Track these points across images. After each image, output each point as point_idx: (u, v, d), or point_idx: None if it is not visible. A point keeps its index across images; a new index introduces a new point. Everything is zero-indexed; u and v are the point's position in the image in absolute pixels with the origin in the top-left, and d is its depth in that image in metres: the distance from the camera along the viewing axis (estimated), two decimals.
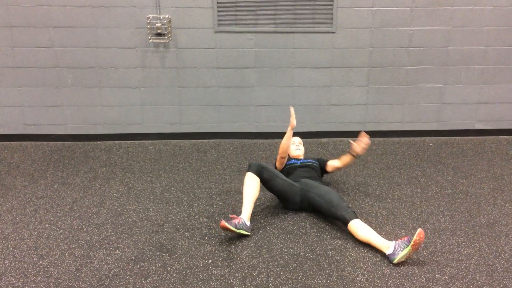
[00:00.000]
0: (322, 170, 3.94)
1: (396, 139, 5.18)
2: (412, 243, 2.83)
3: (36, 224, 3.34)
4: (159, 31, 4.70)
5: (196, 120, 5.08)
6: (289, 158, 3.95)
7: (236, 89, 5.01)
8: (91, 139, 5.05)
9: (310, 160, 3.91)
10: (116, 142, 5.02)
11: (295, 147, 4.02)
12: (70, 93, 4.92)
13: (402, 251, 2.86)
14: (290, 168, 3.80)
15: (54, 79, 4.87)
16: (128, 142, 5.03)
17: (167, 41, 4.78)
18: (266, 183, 3.41)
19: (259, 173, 3.37)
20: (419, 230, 2.84)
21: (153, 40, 4.73)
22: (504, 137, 5.22)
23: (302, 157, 4.02)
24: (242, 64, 4.93)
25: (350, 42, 4.91)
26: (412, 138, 5.20)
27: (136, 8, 4.70)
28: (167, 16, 4.71)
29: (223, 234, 3.22)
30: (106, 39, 4.78)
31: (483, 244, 3.13)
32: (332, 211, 3.25)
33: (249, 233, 3.19)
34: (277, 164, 3.86)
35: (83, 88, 4.92)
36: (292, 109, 3.72)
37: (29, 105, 4.94)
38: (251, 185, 3.31)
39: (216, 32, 4.82)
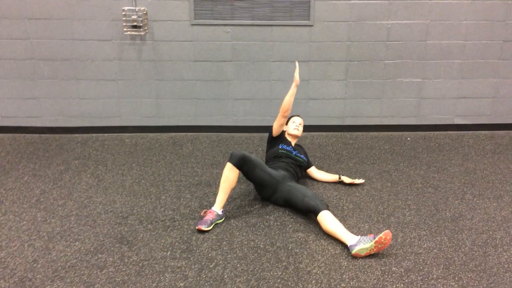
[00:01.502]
0: (304, 170, 3.97)
1: (375, 133, 5.17)
2: (376, 239, 2.81)
3: (0, 215, 3.34)
4: (135, 24, 4.69)
5: (174, 113, 5.07)
6: (286, 140, 3.88)
7: (214, 82, 5.00)
8: (68, 132, 5.05)
9: (303, 156, 3.86)
10: (93, 135, 5.02)
11: (294, 126, 3.93)
12: (46, 86, 4.92)
13: (364, 244, 2.85)
14: (282, 153, 3.75)
15: (30, 71, 4.86)
16: (105, 135, 5.03)
17: (143, 34, 4.76)
18: (245, 173, 3.38)
19: (239, 166, 3.29)
20: (387, 231, 2.83)
21: (130, 32, 4.72)
22: (482, 132, 5.21)
23: (296, 140, 3.98)
24: (219, 57, 4.92)
25: (328, 36, 4.89)
26: (391, 133, 5.19)
27: (112, 0, 4.68)
28: (143, 9, 4.69)
29: (185, 226, 3.22)
30: (82, 31, 4.76)
31: (445, 237, 3.12)
32: (305, 201, 3.24)
33: (223, 218, 3.31)
34: (275, 125, 3.77)
35: (59, 81, 4.91)
36: (297, 63, 3.75)
37: (6, 97, 4.93)
38: (229, 177, 3.28)
39: (192, 24, 4.80)
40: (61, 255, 2.88)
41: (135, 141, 4.87)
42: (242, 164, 3.28)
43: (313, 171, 4.01)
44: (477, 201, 3.64)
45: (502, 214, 3.44)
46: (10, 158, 4.38)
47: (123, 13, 4.67)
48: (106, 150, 4.62)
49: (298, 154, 3.83)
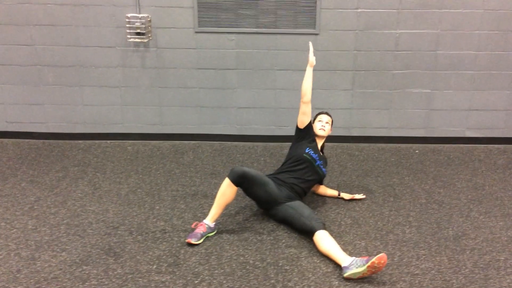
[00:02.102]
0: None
1: (382, 145, 5.03)
2: (368, 263, 2.66)
3: None
4: (139, 31, 4.66)
5: (177, 121, 5.02)
6: (313, 141, 3.56)
7: (217, 90, 4.93)
8: (71, 138, 5.04)
9: (324, 170, 3.59)
10: (96, 141, 5.00)
11: (320, 126, 3.62)
12: (51, 92, 4.92)
13: (356, 268, 2.71)
14: (306, 158, 3.45)
15: (35, 77, 4.88)
16: (108, 142, 5.01)
17: (147, 41, 4.73)
18: (244, 189, 3.27)
19: (238, 183, 3.16)
20: (382, 254, 2.66)
21: (133, 39, 4.69)
22: (495, 145, 5.02)
23: (324, 140, 3.67)
24: (223, 65, 4.85)
25: (334, 45, 4.78)
26: (399, 145, 5.04)
27: (116, 7, 4.67)
28: (146, 16, 4.66)
29: (175, 238, 3.14)
30: (86, 38, 4.76)
31: (445, 258, 2.97)
32: (302, 221, 3.12)
33: (215, 231, 3.22)
34: (300, 116, 3.52)
35: (64, 87, 4.91)
36: (310, 43, 3.61)
37: (11, 102, 4.95)
38: (226, 193, 3.16)
39: (196, 32, 4.75)
40: (46, 265, 2.83)
41: (137, 148, 4.83)
42: (242, 181, 3.15)
43: (316, 188, 3.85)
44: (483, 219, 3.47)
45: (509, 234, 3.27)
46: (11, 164, 4.38)
47: (127, 20, 4.64)
48: (107, 157, 4.59)
49: (321, 166, 3.53)
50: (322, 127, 3.63)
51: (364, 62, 4.83)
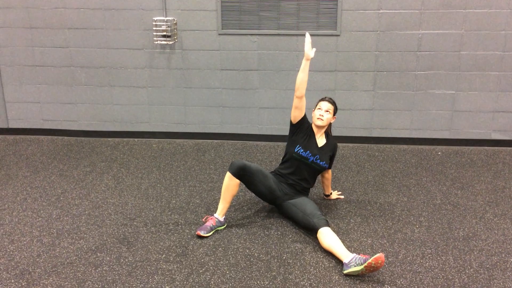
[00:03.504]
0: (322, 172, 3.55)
1: (404, 146, 5.00)
2: (366, 264, 2.68)
3: (20, 211, 3.57)
4: (165, 33, 4.85)
5: (200, 120, 5.18)
6: (307, 136, 3.40)
7: (240, 91, 5.06)
8: (101, 136, 5.29)
9: (323, 163, 3.38)
10: (124, 139, 5.23)
11: (318, 114, 3.39)
12: (83, 91, 5.19)
13: (355, 267, 2.74)
14: (295, 158, 3.37)
15: (68, 78, 5.16)
16: (135, 139, 5.23)
17: (172, 43, 4.92)
18: (245, 183, 3.35)
19: (238, 176, 3.25)
20: (379, 254, 2.67)
21: (160, 41, 4.89)
22: None
23: (323, 130, 3.46)
24: (245, 66, 4.97)
25: (355, 46, 4.81)
26: (421, 146, 4.99)
27: (144, 11, 4.88)
28: (172, 19, 4.85)
29: (187, 230, 3.28)
30: (116, 40, 5.00)
31: (450, 257, 2.96)
32: (305, 219, 3.17)
33: (225, 225, 3.33)
34: (292, 110, 3.38)
35: (95, 87, 5.17)
36: (307, 35, 3.26)
37: (47, 101, 5.26)
38: (229, 186, 3.27)
39: (220, 34, 4.90)
40: (64, 251, 3.02)
41: (161, 146, 5.02)
42: (242, 174, 3.24)
43: (324, 172, 3.61)
44: (497, 221, 3.42)
45: None
46: (44, 159, 4.65)
47: (154, 23, 4.84)
48: (132, 154, 4.80)
49: (316, 161, 3.35)
50: (320, 116, 3.38)
51: (385, 63, 4.83)
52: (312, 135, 3.45)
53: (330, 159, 3.51)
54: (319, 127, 3.44)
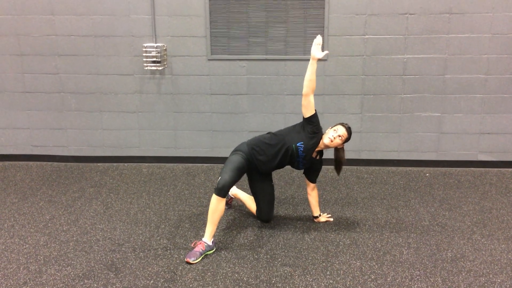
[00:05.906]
0: (305, 171, 3.67)
1: (392, 168, 5.05)
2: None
3: (7, 238, 3.54)
4: (155, 59, 4.91)
5: (191, 144, 5.20)
6: (311, 140, 3.43)
7: (229, 115, 5.10)
8: (91, 161, 5.29)
9: (301, 166, 3.55)
10: (114, 164, 5.23)
11: (331, 136, 3.42)
12: (73, 117, 5.21)
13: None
14: (288, 147, 3.42)
15: (58, 104, 5.18)
16: (125, 164, 5.23)
17: (162, 68, 4.98)
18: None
19: (224, 195, 3.31)
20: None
21: (150, 67, 4.94)
22: (508, 169, 4.96)
23: (322, 148, 3.52)
24: (235, 91, 5.03)
25: (342, 70, 4.90)
26: (409, 168, 5.04)
27: (134, 37, 4.95)
28: (162, 45, 4.92)
29: (175, 255, 3.26)
30: (106, 66, 5.05)
31: (439, 279, 2.97)
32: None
33: (214, 249, 3.34)
34: (302, 108, 3.44)
35: (85, 112, 5.19)
36: (319, 37, 3.35)
37: (36, 127, 5.26)
38: (218, 209, 3.30)
39: (209, 59, 4.97)
40: (51, 279, 2.99)
41: (151, 171, 5.03)
42: (226, 191, 3.32)
43: (309, 189, 3.70)
44: (485, 242, 3.45)
45: (509, 257, 3.24)
46: (33, 185, 4.63)
47: (144, 49, 4.91)
48: (122, 179, 4.80)
49: (299, 165, 3.51)
50: (332, 137, 3.42)
51: (372, 87, 4.91)
52: (318, 142, 3.48)
53: (313, 172, 3.66)
54: (324, 145, 3.48)
